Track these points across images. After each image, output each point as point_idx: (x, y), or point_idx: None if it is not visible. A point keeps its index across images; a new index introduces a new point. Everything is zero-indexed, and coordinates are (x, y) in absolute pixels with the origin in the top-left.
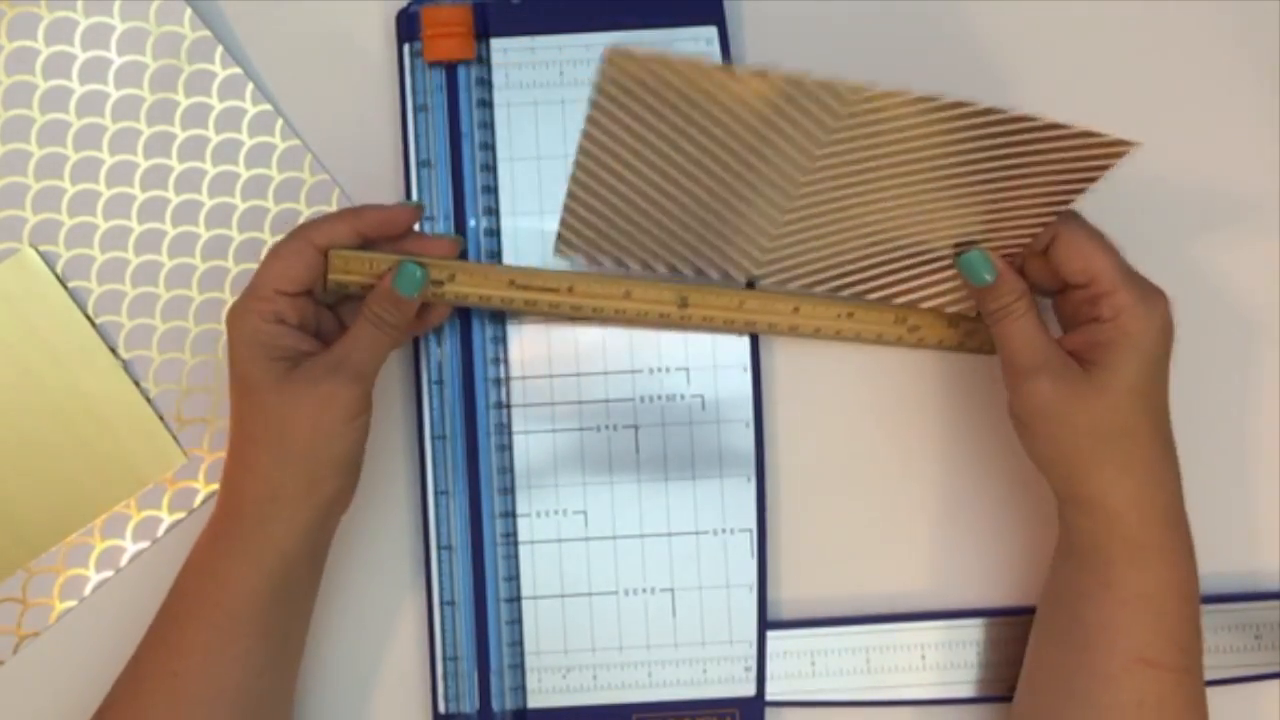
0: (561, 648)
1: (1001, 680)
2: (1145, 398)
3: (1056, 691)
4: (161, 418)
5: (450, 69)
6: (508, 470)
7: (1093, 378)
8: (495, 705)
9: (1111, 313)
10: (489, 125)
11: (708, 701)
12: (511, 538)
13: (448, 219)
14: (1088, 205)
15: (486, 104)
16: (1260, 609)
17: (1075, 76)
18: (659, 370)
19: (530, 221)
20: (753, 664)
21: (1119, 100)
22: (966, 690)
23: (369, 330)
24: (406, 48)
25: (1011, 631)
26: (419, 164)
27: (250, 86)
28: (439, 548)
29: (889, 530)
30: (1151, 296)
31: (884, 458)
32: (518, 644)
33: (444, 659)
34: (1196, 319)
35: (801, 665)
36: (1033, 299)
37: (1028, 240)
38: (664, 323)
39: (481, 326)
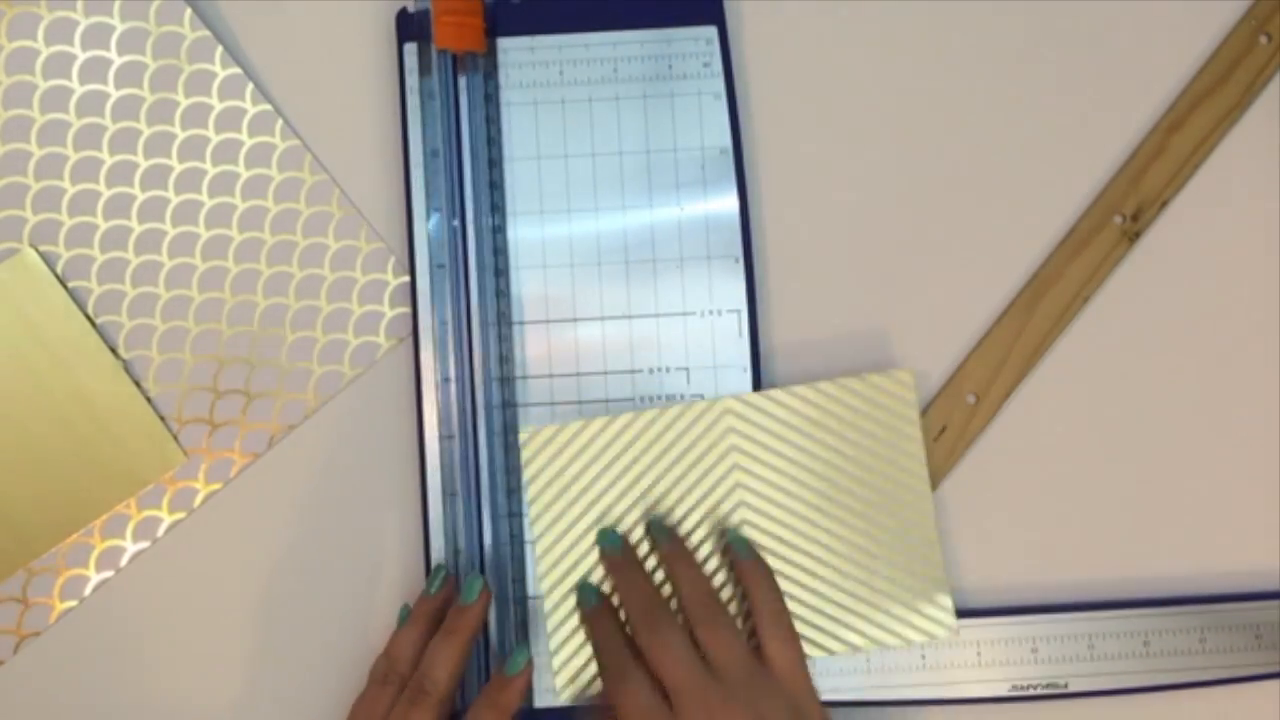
0: None
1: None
2: None
3: None
4: (162, 418)
5: (451, 69)
6: (511, 470)
7: None
8: None
9: None
10: (490, 124)
11: None
12: (516, 538)
13: (448, 220)
14: None
15: (487, 102)
16: (1260, 609)
17: (1074, 76)
18: (659, 370)
19: (530, 221)
20: None
21: (1118, 101)
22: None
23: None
24: (407, 48)
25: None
26: (419, 164)
27: (250, 86)
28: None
29: None
30: None
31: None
32: (523, 644)
33: None
34: (1196, 316)
35: None
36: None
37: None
38: None
39: (483, 325)
